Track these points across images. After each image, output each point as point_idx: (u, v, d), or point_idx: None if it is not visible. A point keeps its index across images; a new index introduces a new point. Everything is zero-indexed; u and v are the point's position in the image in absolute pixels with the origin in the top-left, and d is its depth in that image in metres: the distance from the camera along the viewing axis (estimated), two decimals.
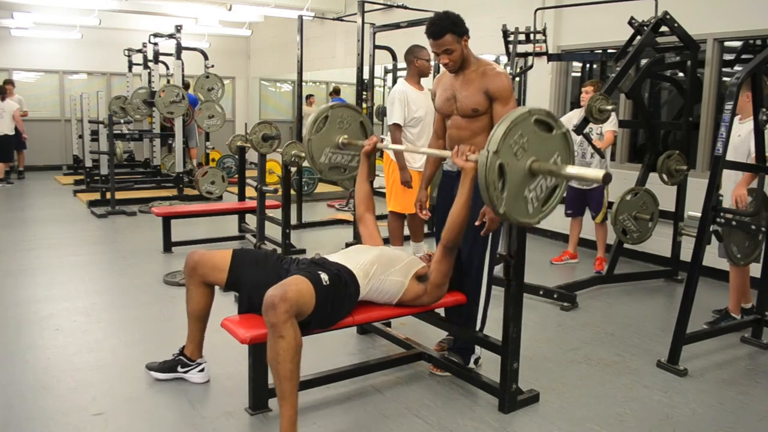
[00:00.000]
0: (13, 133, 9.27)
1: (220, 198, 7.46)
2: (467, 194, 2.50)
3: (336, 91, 11.45)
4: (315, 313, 2.33)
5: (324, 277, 2.40)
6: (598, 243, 4.91)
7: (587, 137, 4.45)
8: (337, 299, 2.44)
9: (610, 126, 4.59)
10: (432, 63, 4.55)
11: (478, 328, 2.95)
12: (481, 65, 2.85)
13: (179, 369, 2.80)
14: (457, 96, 2.87)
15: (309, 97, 11.42)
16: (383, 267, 2.61)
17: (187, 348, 2.80)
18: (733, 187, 3.55)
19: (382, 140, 3.11)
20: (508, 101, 2.80)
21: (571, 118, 4.75)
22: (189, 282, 2.69)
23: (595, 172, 2.04)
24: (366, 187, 3.11)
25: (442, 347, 3.17)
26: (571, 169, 2.15)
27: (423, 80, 4.52)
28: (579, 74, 6.45)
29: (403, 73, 4.59)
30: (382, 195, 4.96)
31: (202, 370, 2.81)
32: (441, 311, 3.02)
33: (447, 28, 2.74)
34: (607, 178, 2.02)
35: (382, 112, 8.34)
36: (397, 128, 4.30)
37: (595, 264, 4.86)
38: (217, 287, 2.73)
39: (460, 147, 2.51)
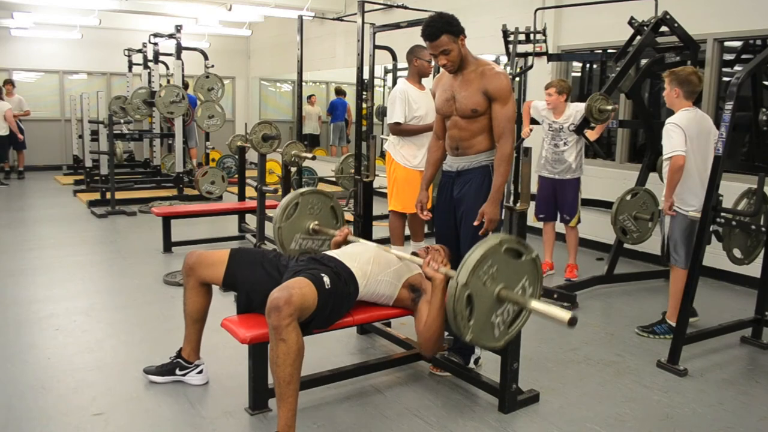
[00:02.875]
0: (6, 133, 9.27)
1: (220, 198, 7.46)
2: (439, 305, 2.41)
3: (338, 92, 11.47)
4: (316, 313, 2.33)
5: (326, 279, 2.40)
6: (570, 247, 4.69)
7: (583, 135, 4.44)
8: (337, 299, 2.44)
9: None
10: (433, 64, 4.54)
11: None
12: (480, 65, 2.85)
13: (177, 372, 2.79)
14: (456, 96, 2.87)
15: (310, 96, 11.43)
16: (380, 267, 2.62)
17: (184, 350, 2.79)
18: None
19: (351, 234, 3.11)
20: (507, 101, 2.80)
21: (537, 106, 4.68)
22: (187, 282, 2.68)
23: (562, 314, 2.01)
24: None
25: (441, 347, 3.17)
26: (536, 304, 2.15)
27: (423, 80, 4.52)
28: (579, 74, 6.45)
29: (404, 73, 4.60)
30: (384, 195, 4.96)
31: (200, 372, 2.80)
32: None
33: (442, 28, 2.73)
34: (572, 322, 1.97)
35: (382, 112, 8.34)
36: (398, 127, 4.31)
37: (565, 271, 4.64)
38: (216, 288, 2.73)
39: (432, 255, 2.51)
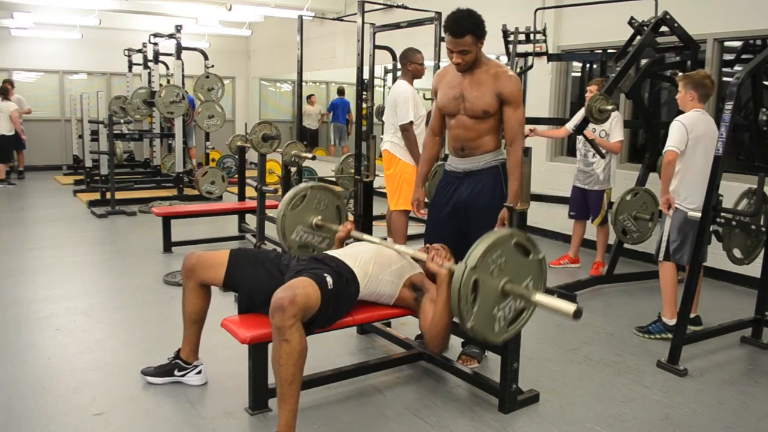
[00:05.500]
0: (12, 133, 9.27)
1: (220, 198, 7.46)
2: (445, 301, 2.38)
3: (340, 92, 11.50)
4: (318, 313, 2.33)
5: (329, 279, 2.40)
6: (598, 246, 4.87)
7: (583, 135, 4.44)
8: (339, 299, 2.44)
9: (618, 135, 4.55)
10: (426, 63, 4.60)
11: None
12: (491, 66, 2.82)
13: (176, 373, 2.78)
14: (466, 96, 2.83)
15: (310, 96, 11.44)
16: (381, 266, 2.61)
17: (183, 351, 2.78)
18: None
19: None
20: (519, 105, 2.80)
21: (573, 120, 4.77)
22: (186, 284, 2.66)
23: (567, 306, 2.02)
24: None
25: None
26: (540, 297, 2.16)
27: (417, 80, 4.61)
28: (579, 74, 6.45)
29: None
30: (383, 195, 4.96)
31: (199, 372, 2.79)
32: None
33: (469, 29, 2.68)
34: (577, 314, 1.99)
35: (382, 112, 8.34)
36: (411, 126, 4.34)
37: (592, 268, 4.80)
38: (215, 287, 2.73)
39: (436, 252, 2.52)
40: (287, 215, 3.10)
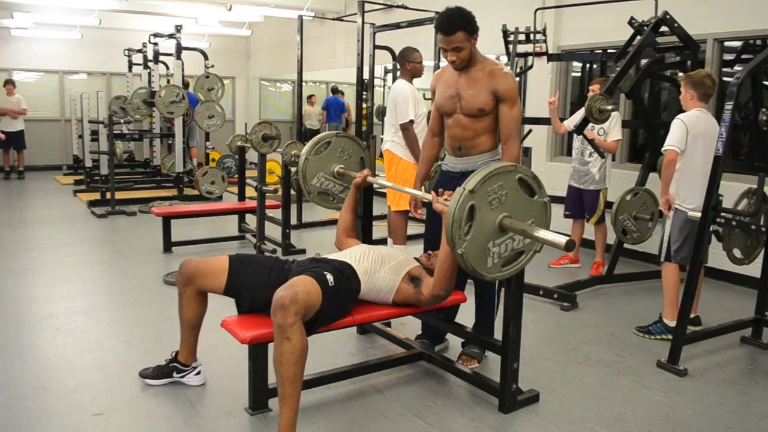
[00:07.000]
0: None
1: (220, 198, 7.46)
2: None
3: (334, 91, 11.50)
4: (321, 311, 2.34)
5: (329, 277, 2.41)
6: (597, 246, 4.86)
7: (583, 135, 4.45)
8: (341, 295, 2.45)
9: (615, 135, 4.57)
10: (426, 63, 4.60)
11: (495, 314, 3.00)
12: (487, 64, 2.82)
13: (175, 375, 2.77)
14: (462, 94, 2.84)
15: (310, 96, 11.44)
16: (377, 264, 2.64)
17: (181, 354, 2.77)
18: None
19: (374, 175, 3.13)
20: (515, 103, 2.80)
21: (572, 119, 4.77)
22: (184, 291, 2.63)
23: (559, 239, 2.03)
24: (350, 218, 3.11)
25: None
26: (541, 233, 2.11)
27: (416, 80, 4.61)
28: (579, 74, 6.45)
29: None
30: (383, 195, 4.96)
31: (198, 373, 2.78)
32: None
33: (460, 25, 2.69)
34: (569, 246, 2.00)
35: (382, 112, 8.36)
36: (412, 124, 4.36)
37: (592, 268, 4.79)
38: None
39: (443, 192, 2.51)
40: (309, 160, 3.11)
